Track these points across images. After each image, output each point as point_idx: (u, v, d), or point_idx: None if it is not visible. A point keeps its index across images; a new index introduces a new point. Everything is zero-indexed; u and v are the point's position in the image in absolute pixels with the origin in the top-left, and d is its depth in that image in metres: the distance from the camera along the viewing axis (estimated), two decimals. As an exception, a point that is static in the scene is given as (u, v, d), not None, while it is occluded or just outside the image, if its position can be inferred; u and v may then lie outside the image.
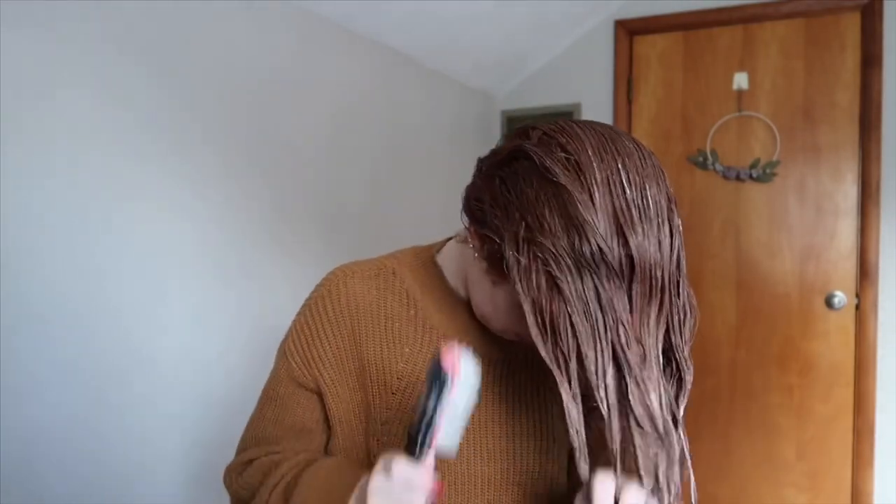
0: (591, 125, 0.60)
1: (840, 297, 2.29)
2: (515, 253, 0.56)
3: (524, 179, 0.57)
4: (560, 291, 0.54)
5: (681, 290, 0.58)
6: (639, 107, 2.56)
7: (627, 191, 0.55)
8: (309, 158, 1.77)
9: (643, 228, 0.54)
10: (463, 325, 0.73)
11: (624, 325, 0.54)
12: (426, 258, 0.77)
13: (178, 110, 1.39)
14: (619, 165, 0.55)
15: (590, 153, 0.56)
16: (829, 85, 2.32)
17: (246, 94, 1.56)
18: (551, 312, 0.55)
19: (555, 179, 0.55)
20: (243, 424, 0.81)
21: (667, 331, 0.58)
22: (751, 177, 2.40)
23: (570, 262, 0.54)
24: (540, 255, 0.55)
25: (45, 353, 1.15)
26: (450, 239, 0.78)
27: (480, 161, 0.64)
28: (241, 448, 0.80)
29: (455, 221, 0.65)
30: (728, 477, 2.45)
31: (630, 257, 0.54)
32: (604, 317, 0.54)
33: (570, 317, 0.54)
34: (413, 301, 0.74)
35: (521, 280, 0.56)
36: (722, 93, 2.44)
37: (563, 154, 0.56)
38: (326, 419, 0.76)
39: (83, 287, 1.21)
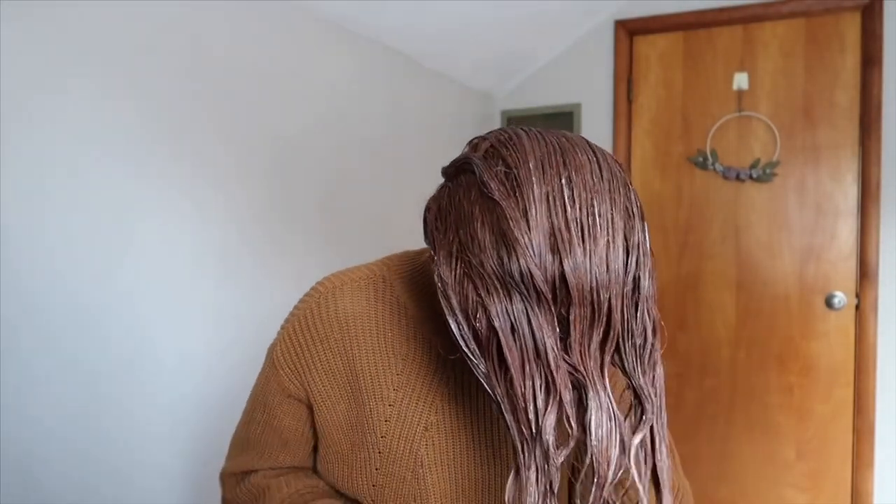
0: (544, 135, 0.56)
1: (840, 298, 2.29)
2: (447, 268, 0.55)
3: (464, 193, 0.55)
4: (486, 311, 0.52)
5: (638, 313, 0.54)
6: (639, 107, 2.56)
7: (569, 208, 0.52)
8: (308, 158, 1.77)
9: (585, 248, 0.51)
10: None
11: (555, 351, 0.52)
12: (416, 265, 0.75)
13: (177, 110, 1.39)
14: (563, 181, 0.52)
15: (531, 166, 0.53)
16: (829, 85, 2.32)
17: (245, 93, 1.56)
18: (475, 331, 0.54)
19: (490, 195, 0.53)
20: (243, 425, 0.81)
21: (619, 355, 0.55)
22: (751, 177, 2.40)
23: (497, 282, 0.52)
24: (469, 271, 0.53)
25: (45, 352, 1.15)
26: None
27: (443, 169, 0.62)
28: (233, 450, 0.82)
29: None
30: (728, 477, 2.45)
31: (564, 279, 0.51)
32: (534, 342, 0.52)
33: (497, 338, 0.52)
34: (404, 309, 0.73)
35: (448, 297, 0.55)
36: (722, 93, 2.44)
37: (503, 168, 0.54)
38: (314, 427, 0.77)
39: (83, 287, 1.21)
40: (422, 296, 0.73)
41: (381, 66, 2.04)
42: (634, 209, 0.55)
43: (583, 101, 2.62)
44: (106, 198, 1.25)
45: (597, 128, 2.60)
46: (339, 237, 1.88)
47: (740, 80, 2.41)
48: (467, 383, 0.73)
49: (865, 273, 2.26)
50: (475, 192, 0.54)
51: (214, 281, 1.50)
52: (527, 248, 0.51)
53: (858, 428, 2.28)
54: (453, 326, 0.55)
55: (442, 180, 0.62)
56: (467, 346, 0.55)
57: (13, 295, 1.10)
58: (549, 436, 0.52)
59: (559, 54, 2.66)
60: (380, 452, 0.71)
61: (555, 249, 0.51)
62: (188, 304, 1.43)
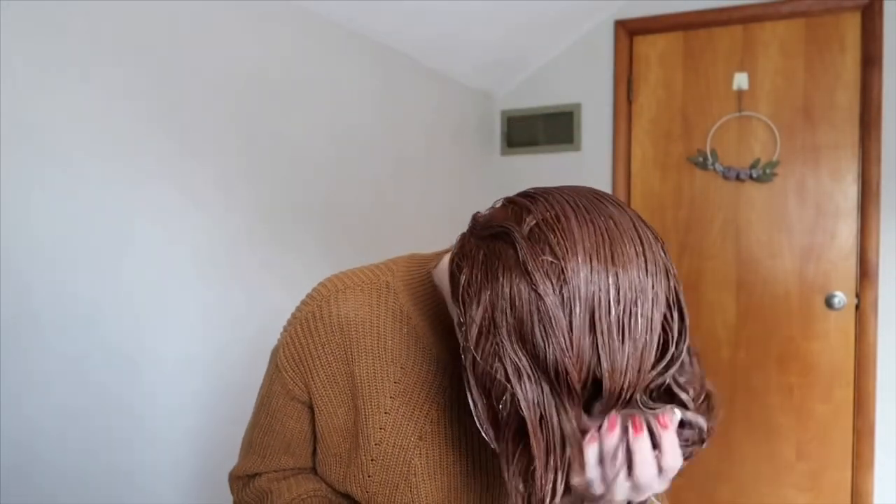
0: (593, 218, 0.53)
1: (840, 297, 2.29)
2: (474, 342, 0.54)
3: (503, 271, 0.52)
4: (514, 397, 0.52)
5: (657, 396, 0.54)
6: (639, 107, 2.56)
7: (613, 310, 0.50)
8: (308, 159, 1.77)
9: (624, 351, 0.50)
10: (457, 345, 0.71)
11: (579, 447, 0.52)
12: (422, 273, 0.74)
13: (177, 111, 1.39)
14: (611, 280, 0.50)
15: (579, 260, 0.50)
16: (829, 85, 2.32)
17: (245, 94, 1.56)
18: (495, 413, 0.54)
19: (534, 288, 0.50)
20: (245, 426, 0.81)
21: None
22: (751, 177, 2.40)
23: (529, 370, 0.51)
24: (499, 352, 0.52)
25: (44, 353, 1.15)
26: (448, 251, 0.75)
27: (474, 219, 0.60)
28: (240, 453, 0.83)
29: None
30: (728, 477, 2.45)
31: (599, 380, 0.51)
32: (562, 436, 0.52)
33: (516, 424, 0.53)
34: (406, 318, 0.72)
35: (473, 377, 0.55)
36: (722, 93, 2.44)
37: (549, 257, 0.51)
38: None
39: (83, 288, 1.21)
40: (426, 305, 0.73)
41: (381, 66, 2.04)
42: (673, 297, 0.53)
43: (583, 101, 2.62)
44: (106, 197, 1.25)
45: (597, 128, 2.60)
46: (339, 237, 1.88)
47: (740, 80, 2.41)
48: (464, 394, 0.72)
49: (865, 273, 2.26)
50: (517, 274, 0.52)
51: (215, 281, 1.50)
52: (567, 349, 0.50)
53: (858, 428, 2.28)
54: (470, 402, 0.55)
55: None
56: (481, 425, 0.55)
57: (11, 295, 1.10)
58: None
59: (559, 54, 2.66)
60: (373, 460, 0.71)
61: (594, 350, 0.50)
62: (189, 304, 1.43)
